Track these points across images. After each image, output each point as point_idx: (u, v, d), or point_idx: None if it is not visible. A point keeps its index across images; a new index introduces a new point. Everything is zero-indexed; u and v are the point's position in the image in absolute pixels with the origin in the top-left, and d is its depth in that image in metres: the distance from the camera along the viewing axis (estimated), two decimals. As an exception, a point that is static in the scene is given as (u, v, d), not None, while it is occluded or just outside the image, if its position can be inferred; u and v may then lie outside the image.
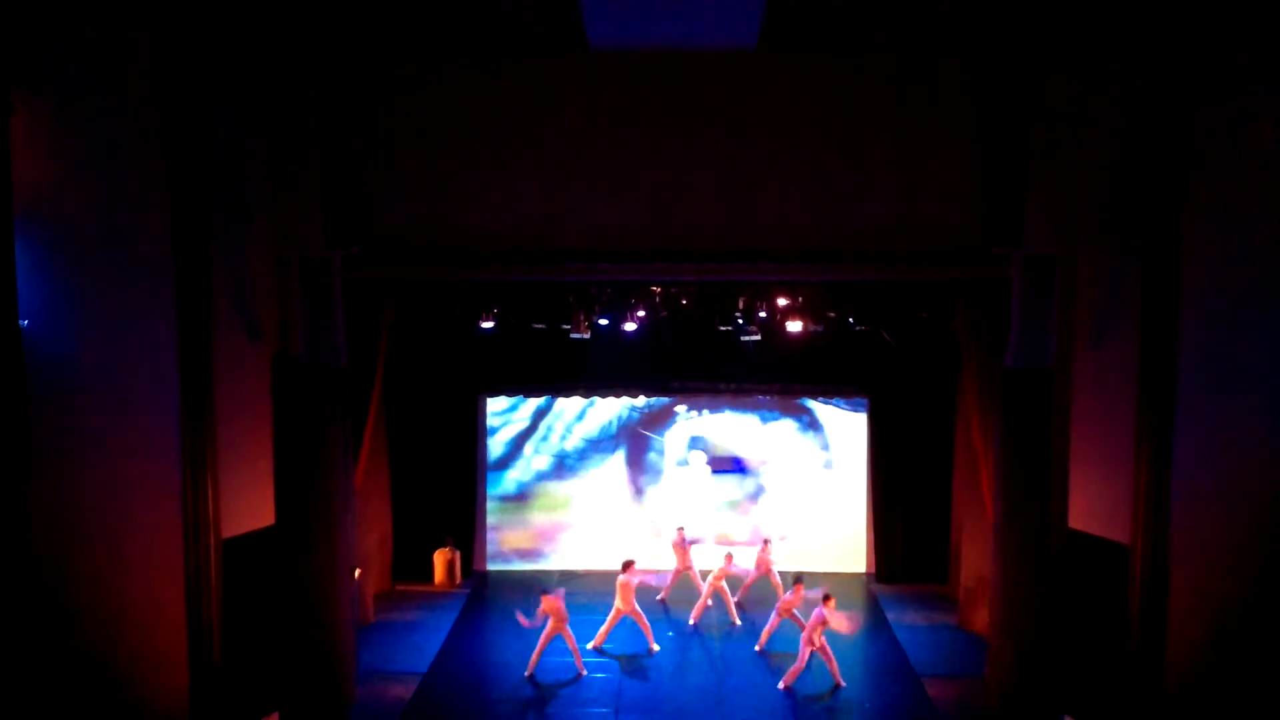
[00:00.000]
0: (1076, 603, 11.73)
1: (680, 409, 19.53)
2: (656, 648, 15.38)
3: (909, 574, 18.62)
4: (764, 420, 19.42)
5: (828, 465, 19.37)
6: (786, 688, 13.93)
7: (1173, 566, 10.46)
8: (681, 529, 17.84)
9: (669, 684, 14.37)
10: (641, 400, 19.44)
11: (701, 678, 14.58)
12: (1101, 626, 11.23)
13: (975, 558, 15.84)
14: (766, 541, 17.51)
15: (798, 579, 15.40)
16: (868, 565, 19.18)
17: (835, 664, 14.07)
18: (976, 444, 14.94)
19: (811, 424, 19.39)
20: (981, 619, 15.30)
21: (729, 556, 16.78)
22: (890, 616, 16.99)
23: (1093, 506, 11.57)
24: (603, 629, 15.39)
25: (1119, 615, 10.86)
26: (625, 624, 15.48)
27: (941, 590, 18.06)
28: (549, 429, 19.51)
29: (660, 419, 19.55)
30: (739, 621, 16.54)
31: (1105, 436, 11.35)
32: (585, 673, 14.44)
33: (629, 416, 19.53)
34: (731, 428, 19.50)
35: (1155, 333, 10.41)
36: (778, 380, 19.08)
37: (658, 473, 19.53)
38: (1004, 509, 12.75)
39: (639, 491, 19.52)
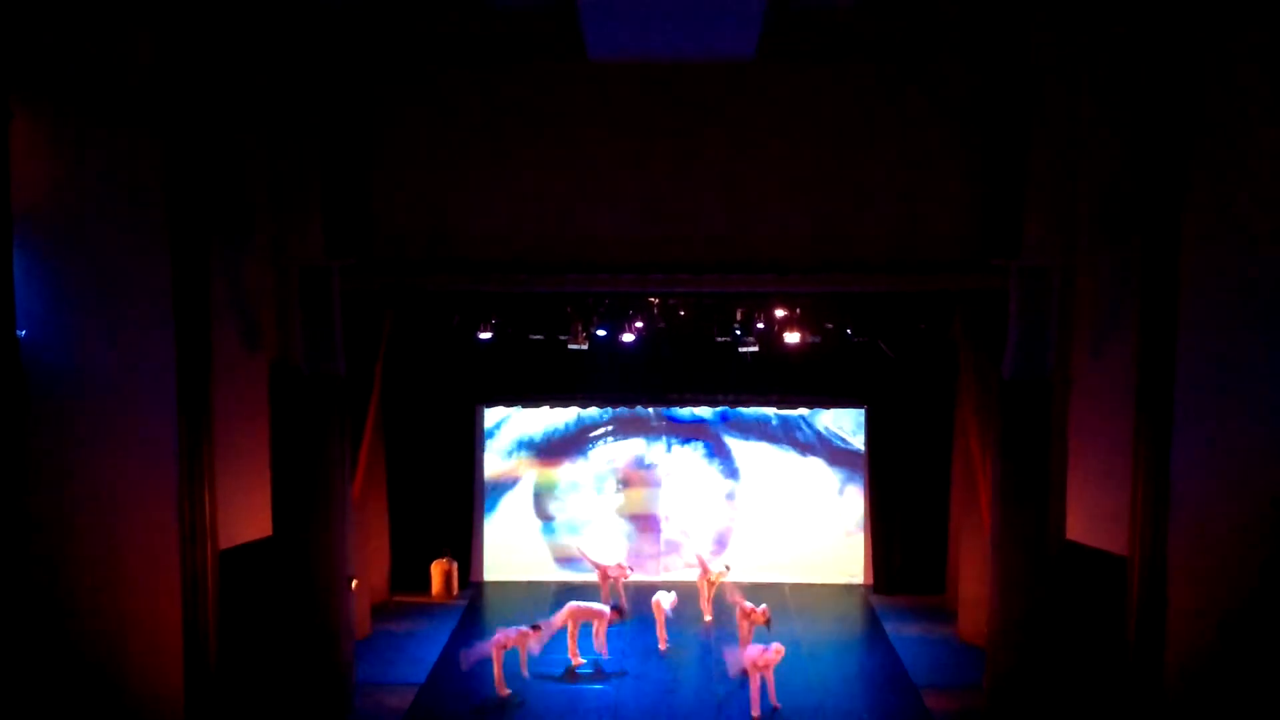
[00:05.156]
0: (1074, 614, 11.72)
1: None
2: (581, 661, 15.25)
3: (907, 585, 18.57)
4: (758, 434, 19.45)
5: (825, 486, 19.36)
6: (776, 707, 13.82)
7: (1171, 578, 10.46)
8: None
9: (666, 696, 14.31)
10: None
11: (698, 690, 14.52)
12: (1099, 638, 11.22)
13: (973, 569, 15.81)
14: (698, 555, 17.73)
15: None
16: (865, 576, 19.14)
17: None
18: (974, 454, 14.93)
19: (808, 435, 19.40)
20: (979, 630, 15.27)
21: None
22: (888, 628, 16.95)
23: (1090, 518, 11.57)
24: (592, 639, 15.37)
25: (1117, 627, 10.85)
26: (625, 634, 15.41)
27: (939, 601, 18.02)
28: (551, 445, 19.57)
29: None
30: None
31: (1103, 448, 11.35)
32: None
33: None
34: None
35: (1153, 343, 10.42)
36: (775, 391, 19.04)
37: (653, 487, 19.54)
38: (1001, 520, 12.75)
39: (634, 502, 19.52)
